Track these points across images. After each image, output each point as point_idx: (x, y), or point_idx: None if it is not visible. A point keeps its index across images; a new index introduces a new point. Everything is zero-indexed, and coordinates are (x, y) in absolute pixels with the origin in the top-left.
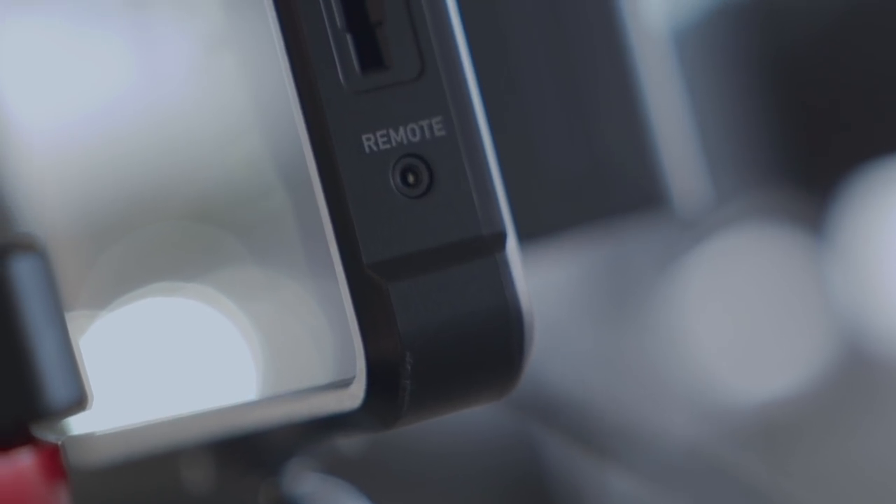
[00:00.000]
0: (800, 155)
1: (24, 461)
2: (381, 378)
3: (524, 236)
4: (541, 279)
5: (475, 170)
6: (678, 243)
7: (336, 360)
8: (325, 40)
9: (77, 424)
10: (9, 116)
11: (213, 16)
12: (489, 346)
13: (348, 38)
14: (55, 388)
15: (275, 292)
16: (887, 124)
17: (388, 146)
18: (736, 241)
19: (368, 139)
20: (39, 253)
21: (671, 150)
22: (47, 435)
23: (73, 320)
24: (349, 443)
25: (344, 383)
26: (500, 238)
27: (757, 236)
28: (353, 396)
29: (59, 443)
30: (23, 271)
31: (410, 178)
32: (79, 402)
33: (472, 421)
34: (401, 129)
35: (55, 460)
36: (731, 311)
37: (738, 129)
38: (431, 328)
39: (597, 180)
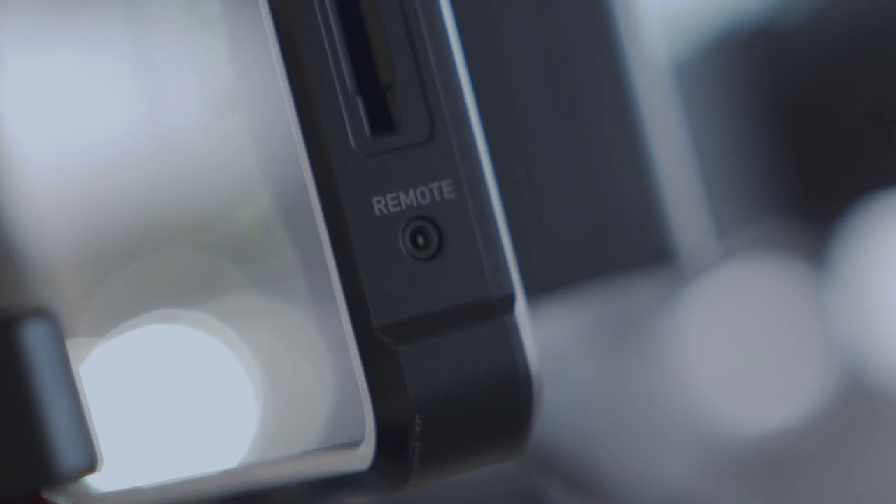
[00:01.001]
0: (801, 186)
1: None
2: (391, 440)
3: (531, 291)
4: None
5: (484, 232)
6: None
7: (337, 392)
8: (335, 102)
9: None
10: (12, 144)
11: (223, 76)
12: (498, 409)
13: (359, 100)
14: (66, 452)
15: (276, 322)
16: (888, 156)
17: (398, 209)
18: (737, 273)
19: (378, 202)
20: (51, 319)
21: (679, 206)
22: (58, 498)
23: (73, 347)
24: (356, 502)
25: (353, 444)
26: (509, 300)
27: (758, 267)
28: (363, 458)
29: None
30: (35, 337)
31: (420, 241)
32: (90, 466)
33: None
34: (411, 192)
35: None
36: (732, 343)
37: (740, 161)
38: (441, 390)
39: (604, 236)
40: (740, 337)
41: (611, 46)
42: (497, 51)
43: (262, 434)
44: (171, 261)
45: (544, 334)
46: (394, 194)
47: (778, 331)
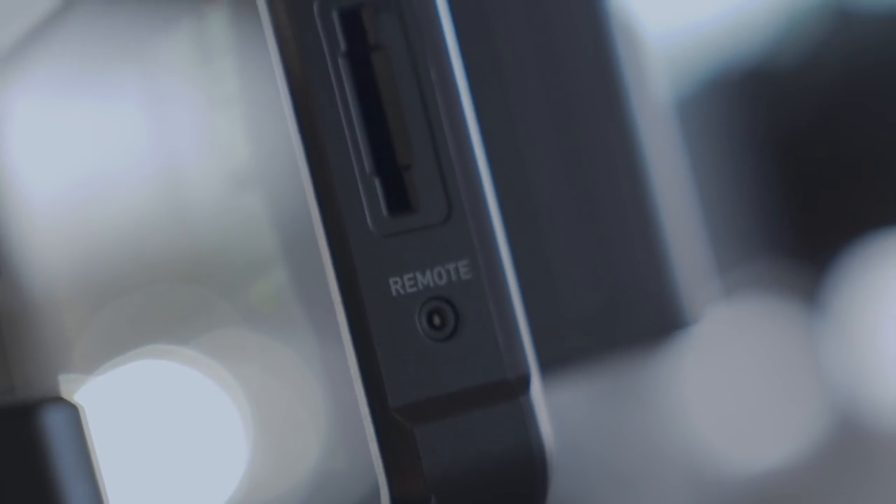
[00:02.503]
0: (795, 227)
1: None
2: None
3: (543, 364)
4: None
5: (500, 312)
6: None
7: (328, 429)
8: (353, 183)
9: None
10: (10, 178)
11: (240, 152)
12: (513, 489)
13: (376, 181)
14: None
15: (268, 359)
16: (882, 197)
17: (414, 289)
18: (731, 313)
19: (395, 282)
20: (70, 405)
21: (689, 278)
22: None
23: (67, 382)
24: None
25: None
26: (525, 381)
27: (752, 307)
28: None
29: None
30: (54, 423)
31: (436, 321)
32: None
33: None
34: (427, 273)
35: None
36: (726, 383)
37: (733, 201)
38: (456, 471)
39: (615, 309)
40: (734, 377)
41: (623, 124)
42: (510, 128)
43: (251, 471)
44: (164, 297)
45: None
46: (411, 275)
47: (771, 370)
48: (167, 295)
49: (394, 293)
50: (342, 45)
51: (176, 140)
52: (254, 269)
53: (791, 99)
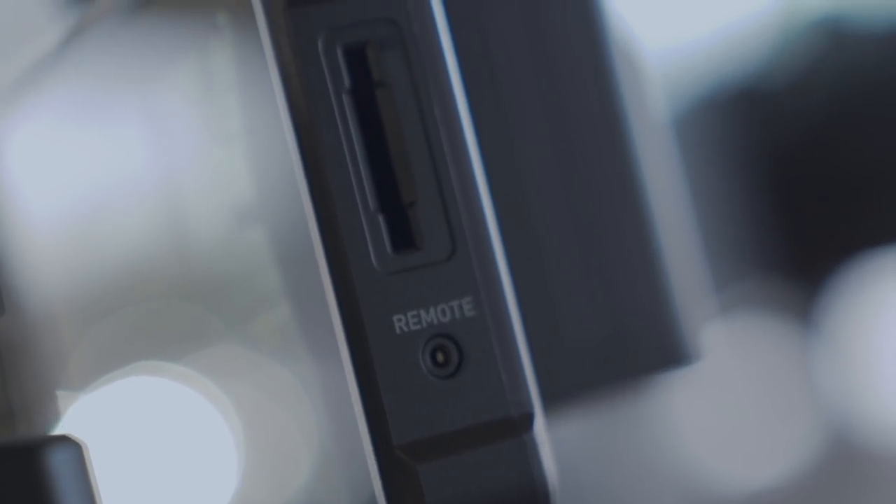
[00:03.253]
0: (788, 246)
1: None
2: None
3: (544, 397)
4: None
5: (504, 349)
6: None
7: (320, 448)
8: (357, 221)
9: None
10: (12, 205)
11: (243, 188)
12: None
13: (381, 218)
14: None
15: (261, 378)
16: (876, 216)
17: (418, 327)
18: (725, 331)
19: (399, 320)
20: (74, 444)
21: (691, 314)
22: None
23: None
24: None
25: None
26: (528, 418)
27: (746, 326)
28: None
29: None
30: (58, 463)
31: (440, 358)
32: None
33: None
34: (431, 310)
35: None
36: (720, 401)
37: (727, 220)
38: None
39: (616, 343)
40: (728, 395)
41: (625, 159)
42: (512, 164)
43: (242, 490)
44: (157, 313)
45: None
46: (415, 312)
47: (765, 389)
48: (162, 313)
49: (398, 331)
50: (346, 82)
51: (178, 174)
52: (251, 296)
53: (784, 118)
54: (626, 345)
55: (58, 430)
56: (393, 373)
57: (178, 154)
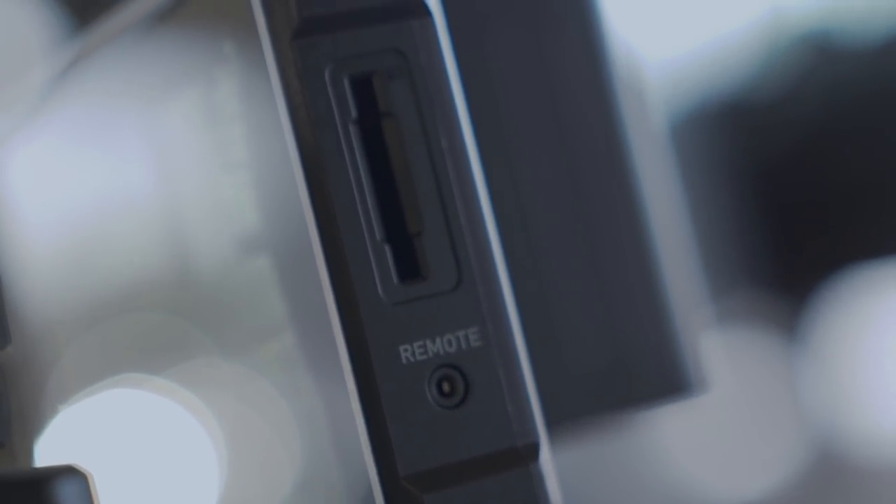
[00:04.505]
0: (775, 260)
1: None
2: None
3: (549, 423)
4: None
5: (510, 380)
6: None
7: (302, 462)
8: (364, 251)
9: None
10: (13, 228)
11: (249, 216)
12: None
13: (387, 248)
14: None
15: (244, 390)
16: (862, 231)
17: (424, 357)
18: (711, 344)
19: (405, 350)
20: (81, 476)
21: (692, 340)
22: None
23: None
24: None
25: None
26: (534, 449)
27: (732, 339)
28: None
29: None
30: (65, 494)
31: (446, 388)
32: None
33: None
34: (437, 340)
35: None
36: (706, 414)
37: (714, 234)
38: None
39: (619, 370)
40: (714, 408)
41: (627, 189)
42: (515, 193)
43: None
44: (141, 326)
45: None
46: (421, 342)
47: (751, 403)
48: (146, 326)
49: (404, 361)
50: (353, 112)
51: (181, 200)
52: (254, 323)
53: (771, 131)
54: (627, 373)
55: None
56: (399, 403)
57: (181, 180)
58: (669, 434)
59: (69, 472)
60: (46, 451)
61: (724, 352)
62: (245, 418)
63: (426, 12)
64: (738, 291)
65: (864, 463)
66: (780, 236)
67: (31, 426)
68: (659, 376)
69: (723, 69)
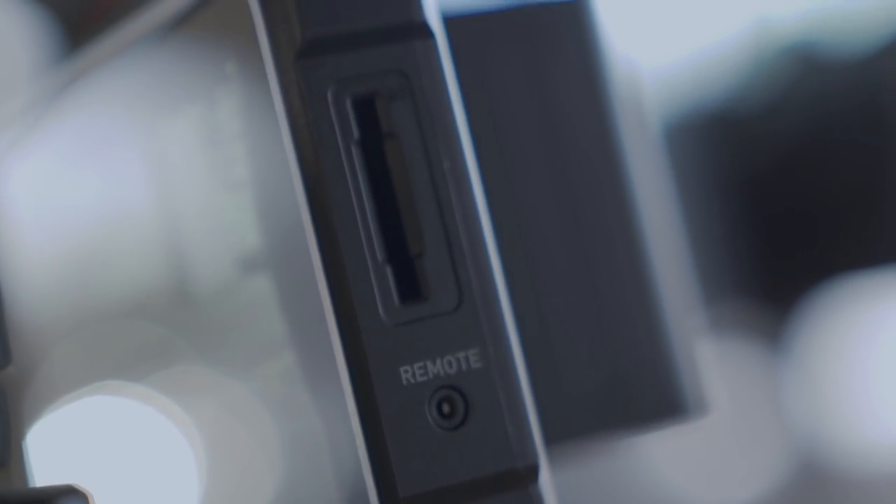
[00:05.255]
0: (760, 270)
1: None
2: None
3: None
4: None
5: (510, 401)
6: None
7: (283, 471)
8: (365, 272)
9: None
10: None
11: (249, 236)
12: None
13: (388, 269)
14: None
15: (225, 398)
16: (846, 243)
17: (425, 378)
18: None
19: (406, 371)
20: (82, 494)
21: (689, 363)
22: None
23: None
24: None
25: None
26: (534, 470)
27: (716, 349)
28: None
29: None
30: None
31: (446, 410)
32: None
33: None
34: (438, 361)
35: None
36: (689, 424)
37: (698, 244)
38: None
39: (616, 390)
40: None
41: (626, 210)
42: (514, 214)
43: None
44: (122, 333)
45: None
46: (421, 364)
47: (735, 413)
48: (125, 332)
49: (404, 382)
50: (355, 133)
51: (181, 218)
52: (253, 342)
53: (756, 143)
54: (625, 394)
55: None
56: (399, 424)
57: (181, 198)
58: (651, 442)
59: (70, 493)
60: (36, 464)
61: (707, 361)
62: (239, 437)
63: (429, 34)
64: (723, 301)
65: (848, 473)
66: (764, 246)
67: (19, 436)
68: (656, 398)
69: (709, 80)
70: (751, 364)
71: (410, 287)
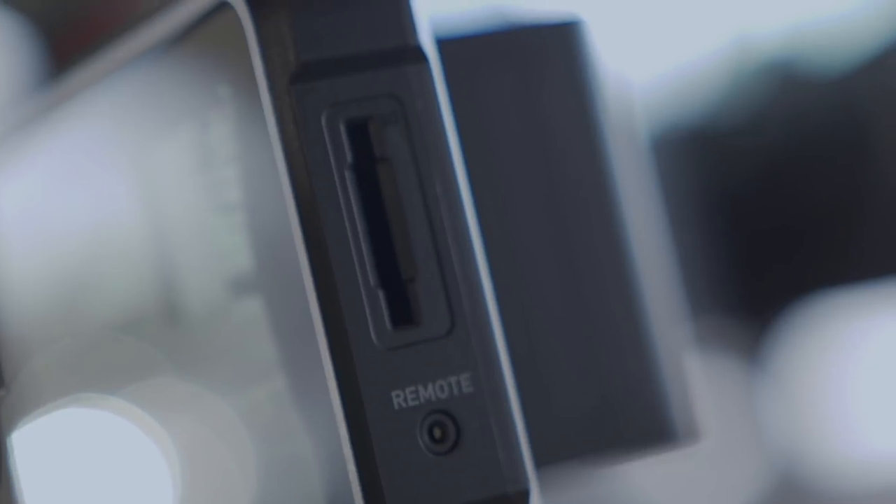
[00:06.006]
0: (738, 287)
1: None
2: None
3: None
4: None
5: (501, 426)
6: None
7: (259, 485)
8: (357, 296)
9: None
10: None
11: (241, 258)
12: None
13: (380, 293)
14: None
15: (199, 412)
16: (824, 259)
17: (416, 402)
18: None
19: (398, 395)
20: None
21: (677, 387)
22: None
23: None
24: None
25: None
26: (524, 496)
27: (694, 365)
28: None
29: None
30: None
31: (437, 434)
32: None
33: None
34: (430, 386)
35: None
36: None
37: (676, 259)
38: None
39: (605, 415)
40: None
41: (616, 238)
42: (504, 241)
43: None
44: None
45: None
46: (413, 388)
47: (712, 428)
48: (101, 345)
49: (396, 406)
50: (349, 157)
51: (171, 240)
52: (244, 365)
53: (734, 160)
54: (614, 418)
55: None
56: (390, 449)
57: (172, 220)
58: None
59: None
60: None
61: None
62: (226, 459)
63: (423, 58)
64: (700, 317)
65: (826, 490)
66: (743, 262)
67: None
68: (646, 425)
69: (689, 96)
70: (729, 380)
71: (402, 311)
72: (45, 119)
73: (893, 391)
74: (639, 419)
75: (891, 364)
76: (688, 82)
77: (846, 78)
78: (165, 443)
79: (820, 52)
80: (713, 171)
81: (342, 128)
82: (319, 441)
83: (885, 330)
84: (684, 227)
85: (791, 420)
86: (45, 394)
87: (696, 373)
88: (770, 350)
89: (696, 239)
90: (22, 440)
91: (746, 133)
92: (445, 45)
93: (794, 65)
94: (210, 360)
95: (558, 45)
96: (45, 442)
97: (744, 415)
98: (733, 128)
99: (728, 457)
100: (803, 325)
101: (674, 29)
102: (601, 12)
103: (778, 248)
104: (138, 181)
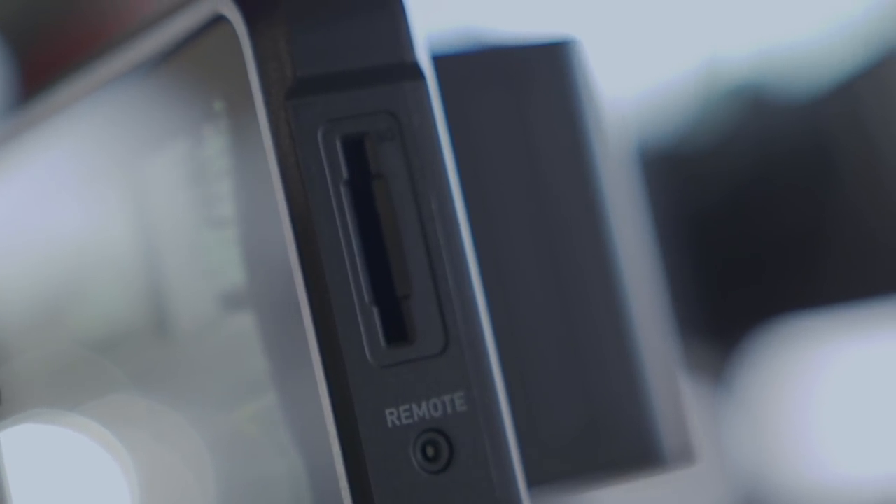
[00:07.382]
0: (705, 309)
1: None
2: None
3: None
4: None
5: (494, 445)
6: None
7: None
8: (352, 313)
9: None
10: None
11: (232, 274)
12: None
13: (375, 311)
14: None
15: (157, 426)
16: (792, 282)
17: (410, 421)
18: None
19: (391, 413)
20: None
21: (665, 408)
22: None
23: None
24: None
25: None
26: None
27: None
28: None
29: None
30: None
31: (431, 453)
32: None
33: None
34: (423, 404)
35: None
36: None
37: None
38: None
39: (593, 436)
40: None
41: (606, 261)
42: (494, 260)
43: None
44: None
45: None
46: (407, 406)
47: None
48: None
49: (389, 424)
50: (344, 173)
51: (161, 254)
52: (234, 381)
53: (703, 183)
54: (603, 440)
55: None
56: (383, 467)
57: (164, 234)
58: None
59: None
60: None
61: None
62: (216, 475)
63: (419, 75)
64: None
65: None
66: (709, 285)
67: None
68: (635, 446)
69: (658, 119)
70: (693, 402)
71: (397, 329)
72: (34, 132)
73: (857, 415)
74: (628, 441)
75: (855, 388)
76: (657, 105)
77: (814, 103)
78: (126, 461)
79: (789, 76)
80: (680, 194)
81: (338, 143)
82: (310, 458)
83: (849, 354)
84: (651, 251)
85: (755, 443)
86: (11, 407)
87: (688, 395)
88: (735, 373)
89: (662, 262)
90: None
91: (714, 156)
92: (440, 62)
93: (763, 89)
94: (197, 376)
95: (550, 63)
96: (5, 456)
97: (708, 437)
98: (701, 151)
99: (692, 479)
100: (769, 348)
101: (643, 52)
102: (574, 34)
103: (744, 272)
104: (129, 195)
